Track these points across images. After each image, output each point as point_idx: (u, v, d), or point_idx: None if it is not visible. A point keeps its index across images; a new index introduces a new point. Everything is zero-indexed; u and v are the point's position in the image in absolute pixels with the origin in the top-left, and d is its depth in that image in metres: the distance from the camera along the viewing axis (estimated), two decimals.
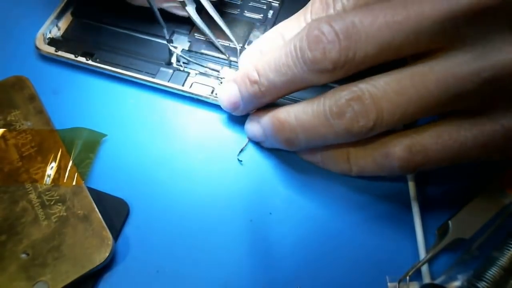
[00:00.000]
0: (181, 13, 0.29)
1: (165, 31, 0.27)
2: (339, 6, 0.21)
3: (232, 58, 0.28)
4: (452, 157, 0.20)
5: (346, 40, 0.18)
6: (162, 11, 0.28)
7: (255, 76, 0.22)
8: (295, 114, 0.22)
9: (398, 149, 0.20)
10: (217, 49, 0.28)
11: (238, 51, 0.28)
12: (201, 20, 0.28)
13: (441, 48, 0.18)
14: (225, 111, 0.27)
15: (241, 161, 0.26)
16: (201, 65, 0.28)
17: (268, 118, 0.23)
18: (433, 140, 0.20)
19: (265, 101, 0.23)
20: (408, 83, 0.18)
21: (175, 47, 0.29)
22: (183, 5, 0.28)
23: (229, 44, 0.29)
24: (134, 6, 0.29)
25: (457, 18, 0.17)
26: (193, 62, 0.28)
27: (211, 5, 0.28)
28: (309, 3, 0.22)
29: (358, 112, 0.19)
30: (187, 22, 0.30)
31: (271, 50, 0.22)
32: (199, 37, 0.30)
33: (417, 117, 0.19)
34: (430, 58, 0.19)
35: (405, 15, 0.18)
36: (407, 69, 0.19)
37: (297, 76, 0.21)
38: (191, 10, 0.28)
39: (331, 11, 0.21)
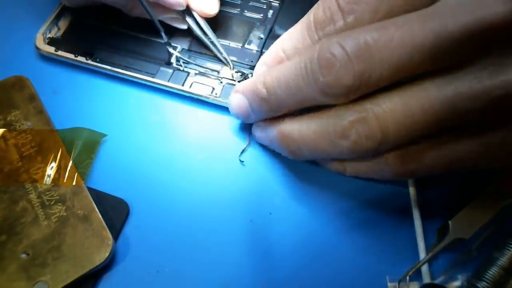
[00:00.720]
0: (179, 25, 0.29)
1: (162, 34, 0.27)
2: (341, 22, 0.19)
3: (232, 58, 0.28)
4: (447, 166, 0.20)
5: (359, 63, 0.17)
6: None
7: (264, 93, 0.22)
8: (298, 130, 0.21)
9: (391, 156, 0.20)
10: (220, 61, 0.28)
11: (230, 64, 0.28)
12: (201, 31, 0.28)
13: (453, 65, 0.18)
14: (226, 112, 0.26)
15: (242, 161, 0.26)
16: (201, 66, 0.28)
17: (273, 130, 0.23)
18: (429, 149, 0.19)
19: (276, 115, 0.23)
20: (415, 104, 0.18)
21: (175, 48, 0.29)
22: (182, 16, 0.28)
23: (229, 43, 0.29)
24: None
25: (481, 33, 0.16)
26: (192, 63, 0.28)
27: (205, 22, 0.28)
28: (311, 13, 0.21)
29: (363, 134, 0.18)
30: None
31: (279, 67, 0.22)
32: (199, 37, 0.29)
33: (424, 135, 0.19)
34: (439, 76, 0.18)
35: (424, 33, 0.17)
36: (414, 88, 0.18)
37: (308, 97, 0.20)
38: (190, 21, 0.28)
39: (337, 25, 0.19)
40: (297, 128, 0.22)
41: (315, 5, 0.20)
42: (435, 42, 0.17)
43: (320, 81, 0.18)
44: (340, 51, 0.18)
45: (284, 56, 0.22)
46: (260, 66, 0.24)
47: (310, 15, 0.20)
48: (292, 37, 0.22)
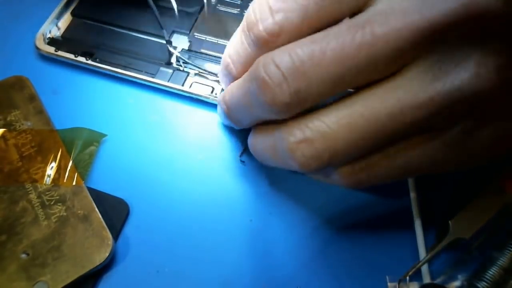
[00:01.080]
0: None
1: (164, 31, 0.27)
2: (270, 20, 0.18)
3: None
4: (399, 174, 0.19)
5: (294, 81, 0.17)
6: (163, 8, 0.28)
7: (225, 109, 0.22)
8: (258, 144, 0.22)
9: (343, 169, 0.19)
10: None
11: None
12: None
13: (394, 72, 0.17)
14: None
15: (243, 161, 0.26)
16: (199, 68, 0.28)
17: (250, 140, 0.23)
18: (378, 158, 0.19)
19: (245, 127, 0.23)
20: (360, 119, 0.17)
21: (175, 48, 0.29)
22: None
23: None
24: (134, 6, 0.29)
25: (412, 39, 0.16)
26: (191, 64, 0.28)
27: None
28: (246, 14, 0.20)
29: (309, 155, 0.18)
30: (188, 22, 0.30)
31: (233, 84, 0.21)
32: (199, 37, 0.30)
33: (374, 148, 0.18)
34: (381, 85, 0.17)
35: (354, 46, 0.16)
36: (359, 100, 0.17)
37: (258, 115, 0.20)
38: None
39: (266, 23, 0.18)
40: (257, 143, 0.22)
41: (249, 7, 0.20)
42: (369, 54, 0.16)
43: (261, 101, 0.18)
44: (274, 70, 0.17)
45: (230, 62, 0.21)
46: (219, 74, 0.24)
47: (244, 17, 0.20)
48: (232, 41, 0.21)
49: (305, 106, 0.18)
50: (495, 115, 0.17)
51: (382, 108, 0.17)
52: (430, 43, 0.16)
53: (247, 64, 0.20)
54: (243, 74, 0.21)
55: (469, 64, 0.16)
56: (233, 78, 0.22)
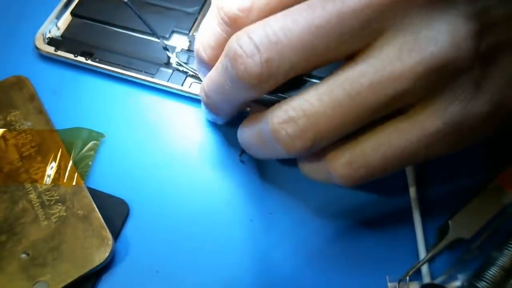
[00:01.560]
0: None
1: (161, 40, 0.28)
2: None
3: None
4: (397, 164, 0.19)
5: (266, 52, 0.17)
6: (163, 8, 0.28)
7: (204, 98, 0.22)
8: (244, 134, 0.22)
9: (339, 165, 0.19)
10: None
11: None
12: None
13: (369, 44, 0.17)
14: None
15: (243, 161, 0.26)
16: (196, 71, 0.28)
17: (238, 132, 0.23)
18: (374, 150, 0.18)
19: (225, 119, 0.23)
20: (341, 93, 0.17)
21: (174, 48, 0.29)
22: None
23: None
24: (134, 6, 0.29)
25: (383, 5, 0.16)
26: (191, 68, 0.28)
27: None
28: None
29: (293, 135, 0.18)
30: (188, 22, 0.30)
31: (211, 71, 0.21)
32: None
33: (358, 125, 0.18)
34: (360, 58, 0.17)
35: (326, 16, 0.16)
36: (339, 76, 0.17)
37: (231, 95, 0.20)
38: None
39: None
40: (244, 132, 0.22)
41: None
42: (338, 27, 0.16)
43: (232, 74, 0.18)
44: (247, 41, 0.17)
45: (201, 48, 0.21)
46: (195, 66, 0.24)
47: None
48: (202, 28, 0.21)
49: (278, 78, 0.18)
50: (469, 87, 0.17)
51: (362, 79, 0.17)
52: (399, 10, 0.16)
53: (219, 46, 0.20)
54: (216, 59, 0.20)
55: (443, 33, 0.16)
56: (206, 64, 0.22)
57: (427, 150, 0.18)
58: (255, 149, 0.22)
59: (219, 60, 0.20)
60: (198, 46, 0.21)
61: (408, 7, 0.16)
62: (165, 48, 0.28)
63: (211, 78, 0.21)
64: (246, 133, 0.22)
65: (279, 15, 0.17)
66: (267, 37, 0.17)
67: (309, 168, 0.21)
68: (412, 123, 0.18)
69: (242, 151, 0.26)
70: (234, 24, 0.19)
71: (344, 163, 0.19)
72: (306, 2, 0.17)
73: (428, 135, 0.18)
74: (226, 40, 0.19)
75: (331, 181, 0.20)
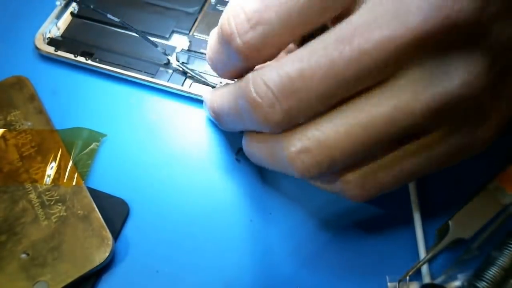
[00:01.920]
0: None
1: (159, 49, 0.28)
2: (250, 34, 0.17)
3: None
4: (404, 182, 0.20)
5: (286, 101, 0.17)
6: (163, 8, 0.28)
7: (215, 117, 0.22)
8: (255, 151, 0.22)
9: (352, 187, 0.20)
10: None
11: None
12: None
13: (387, 78, 0.17)
14: None
15: (239, 160, 0.26)
16: (196, 75, 0.28)
17: (244, 146, 0.23)
18: (386, 173, 0.19)
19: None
20: (357, 127, 0.17)
21: (174, 49, 0.29)
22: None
23: None
24: (134, 6, 0.29)
25: (400, 49, 0.16)
26: (191, 70, 0.28)
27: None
28: (220, 22, 0.19)
29: (309, 163, 0.18)
30: (188, 22, 0.30)
31: (219, 93, 0.21)
32: (199, 37, 0.30)
33: (370, 153, 0.18)
34: (376, 93, 0.17)
35: (344, 62, 0.16)
36: (354, 108, 0.17)
37: (250, 127, 0.20)
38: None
39: (245, 37, 0.17)
40: (253, 150, 0.22)
41: (223, 14, 0.18)
42: (358, 68, 0.16)
43: (253, 118, 0.18)
44: (264, 89, 0.17)
45: (214, 67, 0.21)
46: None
47: (219, 25, 0.19)
48: (211, 47, 0.21)
49: (297, 121, 0.18)
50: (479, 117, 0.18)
51: (378, 115, 0.17)
52: (416, 52, 0.16)
53: (232, 71, 0.20)
54: (228, 75, 0.21)
55: (456, 71, 0.16)
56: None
57: (431, 167, 0.19)
58: (264, 164, 0.22)
59: (233, 93, 0.20)
60: (210, 62, 0.21)
61: (423, 50, 0.16)
62: (165, 53, 0.28)
63: (224, 107, 0.21)
64: (256, 151, 0.21)
65: (295, 57, 0.17)
66: (285, 85, 0.17)
67: (319, 183, 0.22)
68: (421, 148, 0.19)
69: (238, 150, 0.26)
70: (244, 59, 0.18)
71: (357, 184, 0.20)
72: (320, 44, 0.17)
73: (434, 156, 0.19)
74: (237, 65, 0.19)
75: (340, 196, 0.21)
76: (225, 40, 0.18)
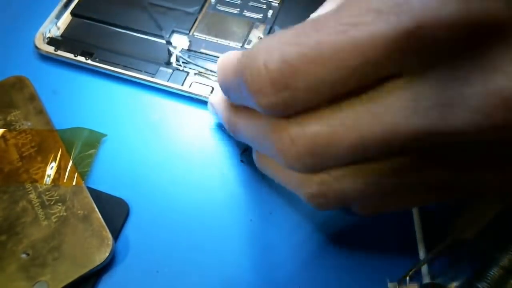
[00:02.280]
0: None
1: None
2: (273, 98, 0.16)
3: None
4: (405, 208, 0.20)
5: (310, 158, 0.17)
6: (163, 8, 0.28)
7: (233, 134, 0.22)
8: (263, 169, 0.22)
9: (360, 208, 0.20)
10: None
11: None
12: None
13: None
14: None
15: (243, 161, 0.26)
16: (200, 66, 0.28)
17: (257, 164, 0.22)
18: (391, 201, 0.19)
19: None
20: (364, 177, 0.17)
21: (174, 47, 0.29)
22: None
23: (229, 43, 0.29)
24: (134, 6, 0.29)
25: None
26: (192, 63, 0.28)
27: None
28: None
29: (325, 205, 0.19)
30: (188, 22, 0.30)
31: (243, 127, 0.20)
32: (199, 37, 0.30)
33: (379, 192, 0.18)
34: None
35: (371, 123, 0.15)
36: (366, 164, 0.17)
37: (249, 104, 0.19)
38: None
39: (267, 100, 0.16)
40: (267, 172, 0.22)
41: (246, 57, 0.16)
42: (388, 134, 0.15)
43: (281, 161, 0.18)
44: (292, 148, 0.17)
45: (224, 91, 0.21)
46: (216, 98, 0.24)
47: (241, 74, 0.17)
48: (226, 77, 0.19)
49: (326, 166, 0.18)
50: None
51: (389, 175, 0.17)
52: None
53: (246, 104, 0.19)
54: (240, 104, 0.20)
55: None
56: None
57: (430, 199, 0.19)
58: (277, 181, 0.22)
59: (258, 132, 0.19)
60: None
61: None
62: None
63: (245, 134, 0.20)
64: (270, 173, 0.21)
65: (320, 120, 0.16)
66: (310, 150, 0.16)
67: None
68: (423, 174, 0.18)
69: (243, 150, 0.26)
70: (268, 112, 0.17)
71: (362, 208, 0.20)
72: (350, 105, 0.16)
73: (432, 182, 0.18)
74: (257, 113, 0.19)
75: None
76: (246, 90, 0.17)
